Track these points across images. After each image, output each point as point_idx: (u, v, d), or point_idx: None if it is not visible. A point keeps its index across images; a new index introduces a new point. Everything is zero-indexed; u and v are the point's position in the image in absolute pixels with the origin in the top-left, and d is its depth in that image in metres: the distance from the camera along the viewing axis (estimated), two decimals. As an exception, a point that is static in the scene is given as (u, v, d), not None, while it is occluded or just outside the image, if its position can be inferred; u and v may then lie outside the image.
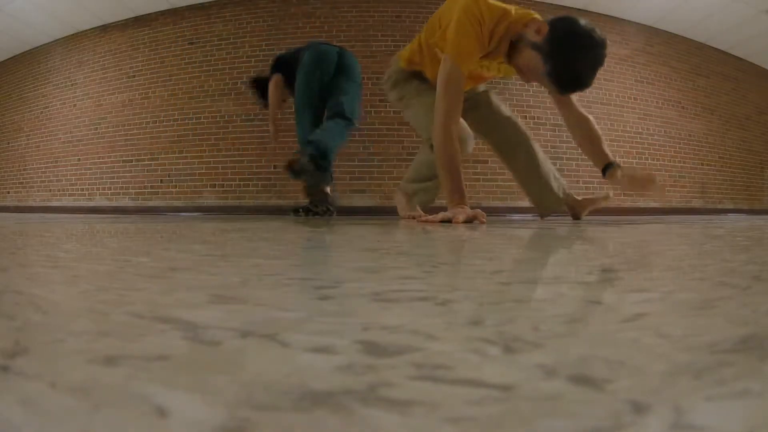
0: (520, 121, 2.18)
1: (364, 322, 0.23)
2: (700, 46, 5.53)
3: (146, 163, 4.78)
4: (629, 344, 0.19)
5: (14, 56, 5.95)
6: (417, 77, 2.07)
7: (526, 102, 4.54)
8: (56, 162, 5.30)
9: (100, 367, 0.16)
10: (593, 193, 4.53)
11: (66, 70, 5.45)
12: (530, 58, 1.66)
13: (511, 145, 2.13)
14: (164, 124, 4.76)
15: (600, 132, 1.89)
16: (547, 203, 2.12)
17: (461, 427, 0.11)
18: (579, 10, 4.85)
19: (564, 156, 4.53)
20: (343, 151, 4.32)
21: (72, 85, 5.36)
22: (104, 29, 5.26)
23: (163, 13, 5.00)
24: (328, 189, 2.60)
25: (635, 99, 5.02)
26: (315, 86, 2.68)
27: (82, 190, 5.08)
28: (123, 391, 0.14)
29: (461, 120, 1.80)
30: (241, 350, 0.18)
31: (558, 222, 1.84)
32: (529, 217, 3.15)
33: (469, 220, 1.49)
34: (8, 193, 5.70)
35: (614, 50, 4.95)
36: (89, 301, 0.28)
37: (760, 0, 4.52)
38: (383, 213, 3.78)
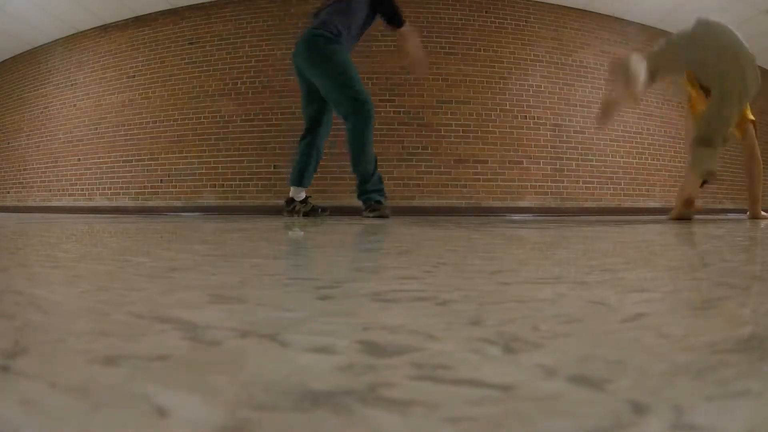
0: None
1: (364, 322, 0.23)
2: (700, 46, 5.53)
3: (146, 163, 4.77)
4: (629, 344, 0.19)
5: (14, 56, 5.95)
6: None
7: (526, 102, 4.53)
8: (56, 162, 5.30)
9: (100, 367, 0.16)
10: (593, 194, 4.54)
11: (66, 70, 5.45)
12: None
13: None
14: (164, 124, 4.76)
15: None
16: None
17: (461, 427, 0.11)
18: (579, 10, 4.84)
19: (564, 156, 4.53)
20: (343, 151, 4.32)
21: (72, 85, 5.36)
22: (104, 29, 5.26)
23: (163, 13, 5.00)
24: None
25: (635, 99, 5.02)
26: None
27: (82, 190, 5.08)
28: (123, 391, 0.14)
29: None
30: (241, 350, 0.18)
31: (558, 222, 1.84)
32: (528, 217, 3.15)
33: None
34: (8, 193, 5.70)
35: (614, 50, 4.94)
36: (89, 301, 0.28)
37: (760, 0, 4.52)
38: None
